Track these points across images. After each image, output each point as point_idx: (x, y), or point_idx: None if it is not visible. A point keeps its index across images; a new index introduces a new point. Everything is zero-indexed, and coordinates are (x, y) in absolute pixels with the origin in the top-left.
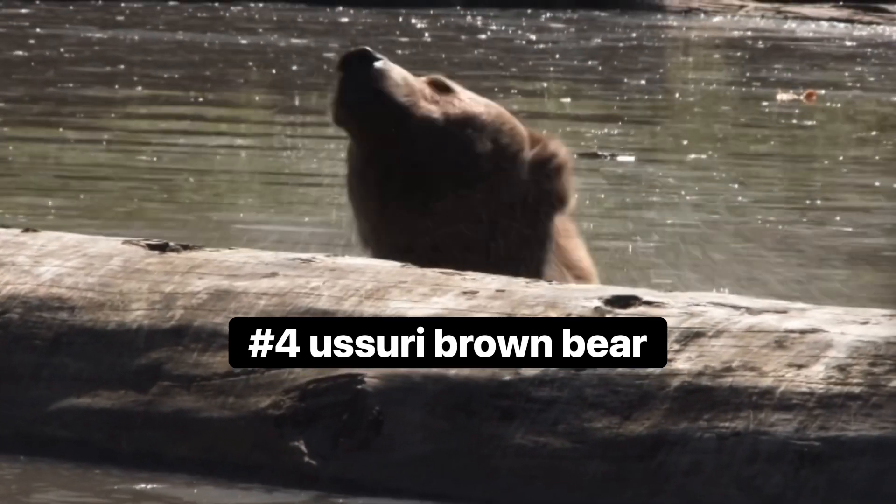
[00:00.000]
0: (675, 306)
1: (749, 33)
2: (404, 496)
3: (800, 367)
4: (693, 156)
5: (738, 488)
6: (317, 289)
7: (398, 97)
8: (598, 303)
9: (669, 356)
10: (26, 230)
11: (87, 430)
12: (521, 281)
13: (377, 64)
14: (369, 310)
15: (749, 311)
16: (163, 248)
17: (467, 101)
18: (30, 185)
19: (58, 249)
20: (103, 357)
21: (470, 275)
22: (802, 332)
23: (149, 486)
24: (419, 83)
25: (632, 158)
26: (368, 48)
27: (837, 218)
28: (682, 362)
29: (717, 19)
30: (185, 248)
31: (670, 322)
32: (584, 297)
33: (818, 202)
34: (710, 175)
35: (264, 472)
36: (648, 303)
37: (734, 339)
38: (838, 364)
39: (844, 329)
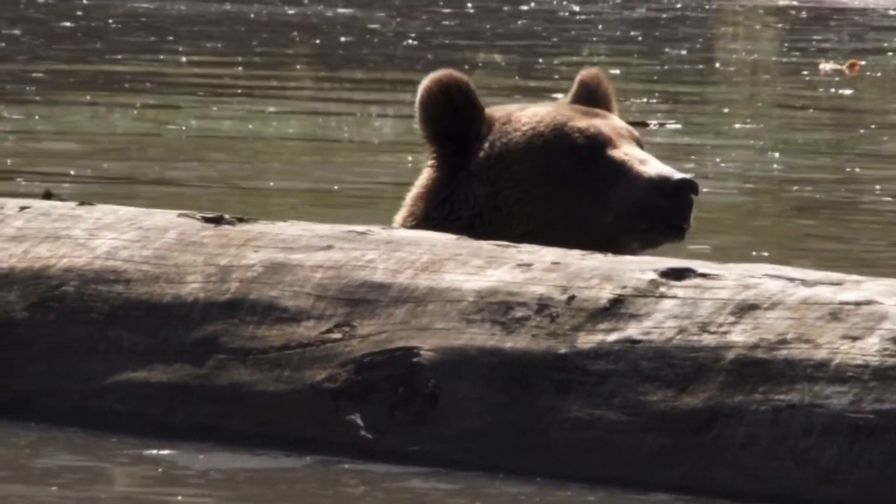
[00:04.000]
0: (729, 278)
1: (794, 3)
2: (460, 469)
3: (854, 339)
4: (734, 125)
5: (794, 460)
6: (372, 261)
7: None
8: (653, 275)
9: (724, 329)
10: (82, 203)
11: (143, 403)
12: (577, 253)
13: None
14: (425, 282)
15: (804, 283)
16: (218, 220)
17: None
18: (56, 153)
19: (113, 222)
20: (159, 330)
21: (525, 247)
22: (857, 303)
23: (155, 452)
24: None
25: (679, 126)
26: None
27: (878, 188)
28: (738, 335)
29: None
30: (241, 220)
31: (725, 294)
32: (640, 270)
33: (857, 171)
34: (749, 144)
35: (319, 446)
36: (703, 275)
37: (789, 312)
38: (893, 336)
39: None
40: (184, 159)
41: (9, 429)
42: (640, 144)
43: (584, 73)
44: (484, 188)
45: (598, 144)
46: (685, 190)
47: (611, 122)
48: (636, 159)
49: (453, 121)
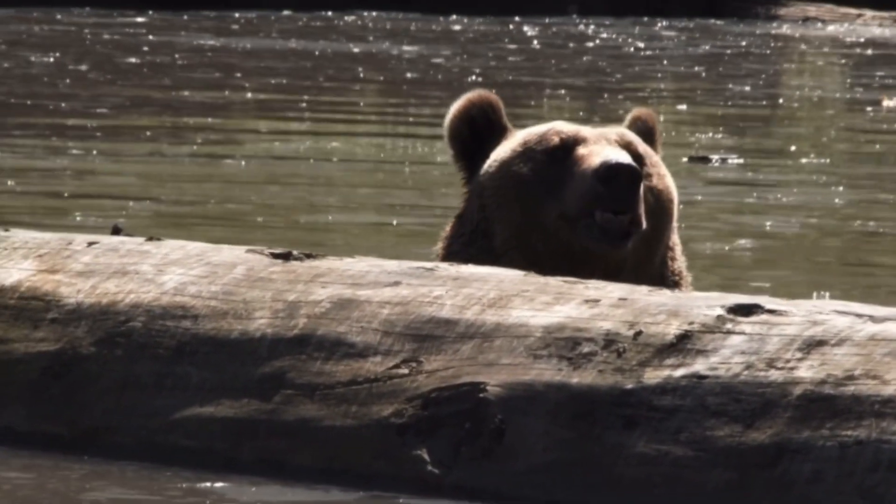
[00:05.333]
0: (797, 314)
1: (861, 40)
2: None
3: None
4: (798, 160)
5: (861, 497)
6: (440, 297)
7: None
8: (720, 311)
9: (792, 364)
10: (150, 239)
11: (210, 438)
12: (644, 289)
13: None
14: (492, 318)
15: (872, 319)
16: (286, 256)
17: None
18: (112, 188)
19: (181, 258)
20: (226, 366)
21: (592, 283)
22: None
23: (208, 485)
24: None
25: (741, 161)
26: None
27: None
28: (805, 370)
29: (832, 28)
30: (309, 256)
31: (792, 330)
32: (707, 306)
33: None
34: (812, 179)
35: (386, 481)
36: (771, 311)
37: (857, 348)
38: None
39: None
40: (244, 193)
41: (62, 461)
42: (634, 152)
43: (638, 110)
44: (477, 201)
45: (569, 145)
46: (622, 174)
47: (604, 129)
48: (594, 154)
49: (473, 140)
